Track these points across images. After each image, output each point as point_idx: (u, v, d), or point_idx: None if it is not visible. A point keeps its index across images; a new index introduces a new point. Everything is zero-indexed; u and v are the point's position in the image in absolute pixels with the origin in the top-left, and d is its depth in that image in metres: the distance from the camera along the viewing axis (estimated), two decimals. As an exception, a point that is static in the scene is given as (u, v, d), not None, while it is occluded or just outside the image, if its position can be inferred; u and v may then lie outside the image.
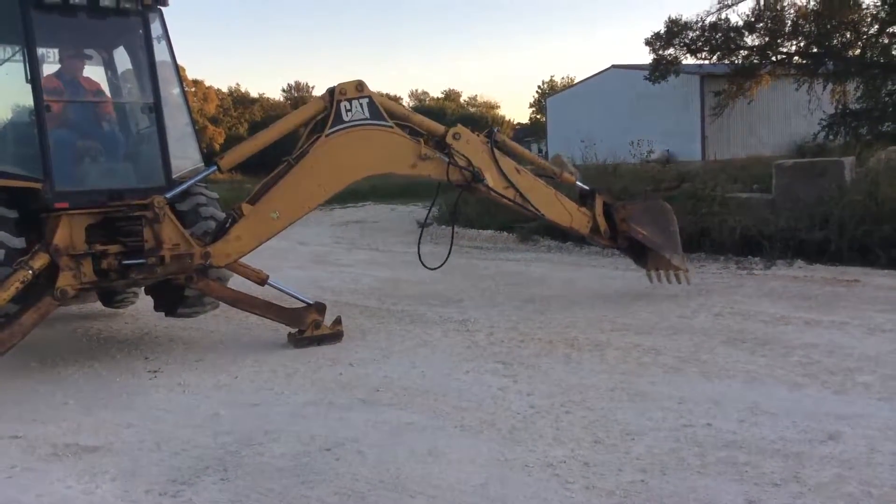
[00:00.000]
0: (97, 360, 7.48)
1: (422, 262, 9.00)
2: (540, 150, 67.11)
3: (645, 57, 31.16)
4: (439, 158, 7.93)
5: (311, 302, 7.75)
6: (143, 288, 8.49)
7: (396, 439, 5.04)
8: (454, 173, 8.02)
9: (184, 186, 7.07)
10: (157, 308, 8.26)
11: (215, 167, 7.15)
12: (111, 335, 8.65)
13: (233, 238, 7.06)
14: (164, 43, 7.49)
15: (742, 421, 5.04)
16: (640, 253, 9.20)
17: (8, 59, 7.20)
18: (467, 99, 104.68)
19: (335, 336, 7.67)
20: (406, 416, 5.46)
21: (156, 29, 7.44)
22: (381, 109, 7.58)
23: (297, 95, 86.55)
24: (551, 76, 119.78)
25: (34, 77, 6.75)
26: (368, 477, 4.47)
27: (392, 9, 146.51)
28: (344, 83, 7.44)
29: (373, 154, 7.62)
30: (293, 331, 7.65)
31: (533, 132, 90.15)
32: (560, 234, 14.14)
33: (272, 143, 7.53)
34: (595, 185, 15.60)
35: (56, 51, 7.68)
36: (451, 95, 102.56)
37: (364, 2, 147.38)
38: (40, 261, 6.53)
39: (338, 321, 7.79)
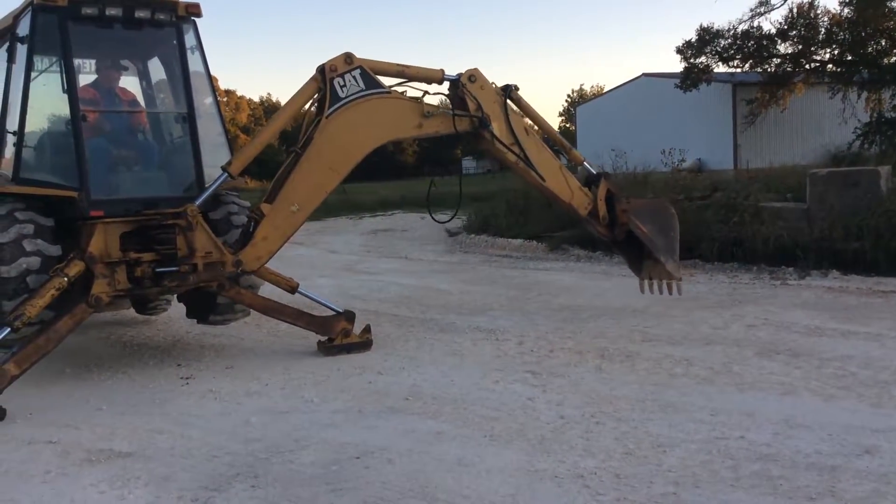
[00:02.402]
0: (130, 366, 7.57)
1: (432, 218, 9.56)
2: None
3: (676, 65, 31.01)
4: (443, 112, 7.78)
5: (341, 310, 7.79)
6: (175, 295, 8.58)
7: (426, 448, 5.03)
8: (461, 122, 7.84)
9: (208, 192, 7.00)
10: (189, 315, 8.35)
11: (226, 174, 7.03)
12: (144, 342, 8.75)
13: (259, 240, 7.05)
14: (197, 53, 7.59)
15: (776, 434, 4.97)
16: (634, 255, 8.85)
17: (46, 70, 7.31)
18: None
19: (364, 344, 7.69)
20: (435, 425, 5.46)
21: (189, 40, 7.55)
22: (374, 76, 7.43)
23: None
24: (581, 84, 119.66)
25: (71, 87, 6.88)
26: (397, 485, 4.47)
27: (422, 18, 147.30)
28: (332, 59, 7.23)
29: (377, 124, 7.48)
30: (323, 339, 7.68)
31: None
32: (590, 244, 14.08)
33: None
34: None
35: (93, 62, 7.82)
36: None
37: (393, 11, 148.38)
38: (75, 268, 6.63)
39: (367, 329, 7.81)
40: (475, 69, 7.95)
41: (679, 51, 30.18)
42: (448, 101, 7.99)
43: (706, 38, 29.14)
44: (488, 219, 17.63)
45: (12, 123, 7.06)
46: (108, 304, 7.19)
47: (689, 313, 8.77)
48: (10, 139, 7.08)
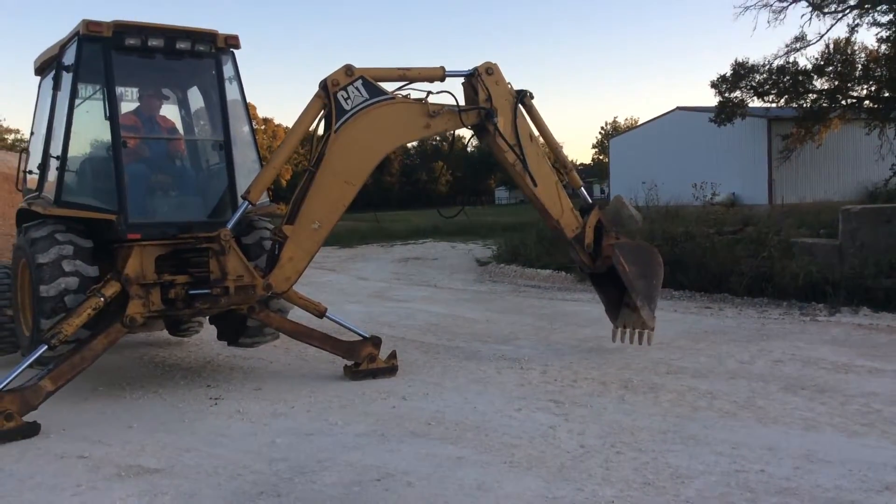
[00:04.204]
0: (162, 385, 7.74)
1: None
2: (602, 192, 66.87)
3: (711, 99, 30.99)
4: (448, 109, 7.81)
5: (368, 336, 7.90)
6: (207, 318, 8.77)
7: (446, 473, 5.09)
8: (468, 117, 7.88)
9: (234, 219, 7.08)
10: (220, 337, 8.52)
11: (247, 203, 7.10)
12: (176, 362, 8.94)
13: (286, 261, 7.17)
14: (235, 83, 7.84)
15: (797, 468, 4.95)
16: (613, 297, 8.65)
17: (89, 97, 7.57)
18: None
19: (390, 370, 7.79)
20: (456, 451, 5.52)
21: (228, 70, 7.81)
22: (376, 84, 7.46)
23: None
24: (615, 117, 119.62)
25: (112, 114, 7.14)
26: (417, 508, 4.53)
27: (456, 46, 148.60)
28: (333, 73, 7.30)
29: (385, 131, 7.52)
30: (349, 363, 7.80)
31: (596, 173, 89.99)
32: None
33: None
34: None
35: (135, 90, 8.09)
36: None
37: (426, 40, 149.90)
38: (112, 289, 6.83)
39: (393, 355, 7.91)
40: (494, 63, 8.01)
41: (714, 85, 30.18)
42: (454, 100, 7.97)
43: (741, 73, 29.12)
44: (518, 248, 17.72)
45: (55, 149, 7.30)
46: (143, 325, 7.39)
47: (716, 347, 8.74)
48: (54, 164, 7.32)
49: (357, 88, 7.33)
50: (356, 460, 5.36)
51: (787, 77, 27.90)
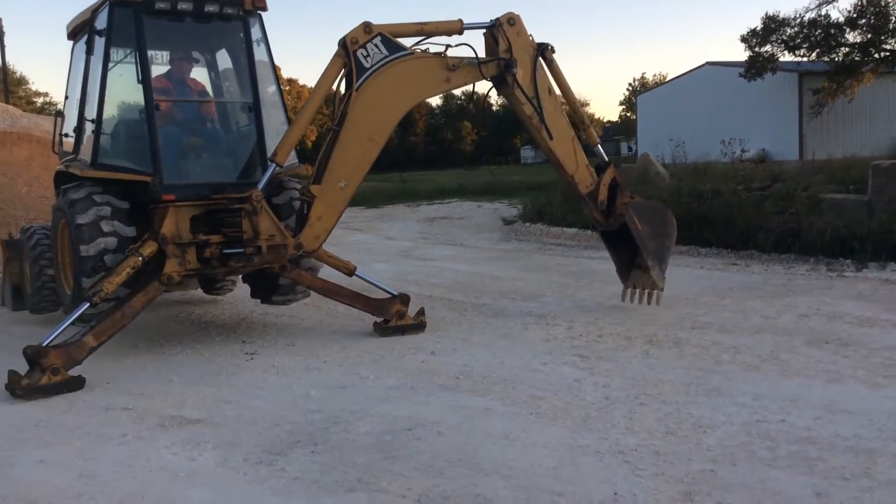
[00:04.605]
0: (199, 342, 8.00)
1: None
2: (630, 149, 66.24)
3: (741, 54, 30.52)
4: (467, 62, 7.84)
5: (396, 293, 8.08)
6: (241, 276, 9.00)
7: (474, 423, 5.27)
8: (488, 69, 7.90)
9: (264, 180, 7.23)
10: (253, 295, 8.75)
11: (275, 165, 7.25)
12: (211, 320, 9.20)
13: (315, 220, 7.34)
14: (262, 45, 7.94)
15: (817, 418, 5.07)
16: (624, 257, 8.66)
17: (121, 61, 7.72)
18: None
19: (418, 326, 7.97)
20: (484, 402, 5.70)
21: (255, 32, 7.90)
22: (395, 40, 7.50)
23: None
24: (643, 73, 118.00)
25: (145, 78, 7.29)
26: (447, 455, 4.72)
27: (480, 6, 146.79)
28: (352, 31, 7.34)
29: (405, 87, 7.57)
30: (378, 320, 7.99)
31: (623, 130, 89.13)
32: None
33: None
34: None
35: (166, 53, 8.22)
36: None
37: (451, 2, 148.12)
38: (149, 248, 7.05)
39: (421, 312, 8.09)
40: (517, 14, 7.99)
41: (744, 39, 29.77)
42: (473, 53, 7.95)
43: (772, 27, 28.66)
44: (543, 207, 17.76)
45: (91, 112, 7.48)
46: (179, 284, 7.62)
47: (742, 303, 8.81)
48: (89, 127, 7.50)
49: (376, 45, 7.38)
50: (387, 411, 5.56)
51: (819, 30, 27.42)
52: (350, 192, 7.48)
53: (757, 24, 29.02)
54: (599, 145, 8.78)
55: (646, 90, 65.75)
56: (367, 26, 7.39)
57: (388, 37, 7.46)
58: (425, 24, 7.76)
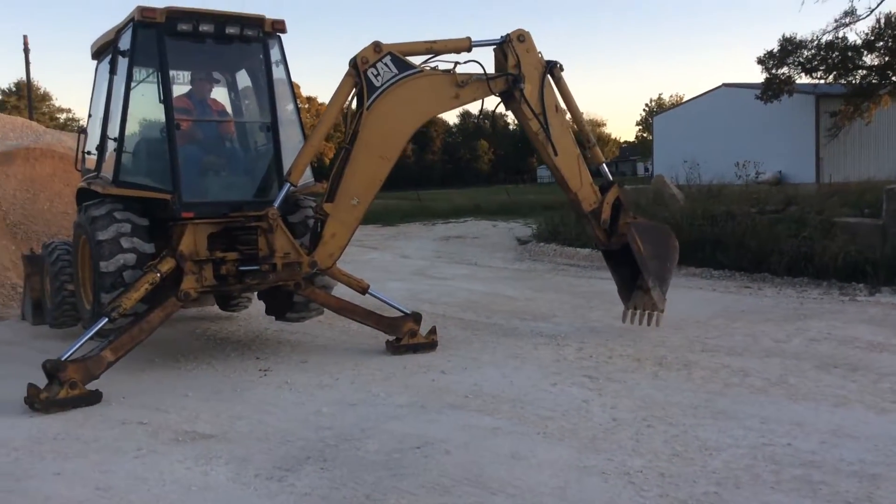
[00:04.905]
0: (214, 357, 8.12)
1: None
2: (646, 170, 66.23)
3: (757, 75, 30.53)
4: (476, 78, 7.93)
5: (409, 312, 8.18)
6: (256, 293, 9.12)
7: (482, 442, 5.34)
8: (497, 84, 8.00)
9: (281, 195, 7.37)
10: (268, 312, 8.87)
11: (289, 185, 7.39)
12: (226, 336, 9.33)
13: (328, 238, 7.47)
14: (281, 66, 8.10)
15: (823, 442, 5.11)
16: (626, 277, 8.62)
17: (144, 81, 7.89)
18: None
19: (430, 345, 8.06)
20: (492, 422, 5.77)
21: (275, 54, 8.07)
22: (405, 58, 7.59)
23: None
24: (659, 94, 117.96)
25: (166, 98, 7.45)
26: (454, 474, 4.80)
27: (498, 19, 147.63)
28: (362, 51, 7.46)
29: (416, 105, 7.69)
30: (391, 338, 8.08)
31: (640, 151, 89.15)
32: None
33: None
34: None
35: (188, 73, 8.40)
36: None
37: (471, 19, 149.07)
38: (167, 265, 7.19)
39: (433, 331, 8.18)
40: (527, 31, 8.09)
41: (760, 61, 29.78)
42: (481, 69, 8.04)
43: (788, 49, 28.68)
44: (557, 227, 17.83)
45: (113, 130, 7.64)
46: (195, 300, 7.74)
47: (753, 326, 8.84)
48: (111, 145, 7.67)
49: (386, 64, 7.51)
50: (397, 429, 5.64)
51: (836, 53, 27.42)
52: (363, 210, 7.59)
53: (774, 46, 29.05)
54: (605, 164, 8.82)
55: (662, 111, 65.74)
56: (376, 46, 7.52)
57: (398, 55, 7.58)
58: (434, 42, 7.87)
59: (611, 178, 8.72)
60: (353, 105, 7.63)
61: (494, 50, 8.19)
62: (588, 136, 8.87)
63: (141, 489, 4.72)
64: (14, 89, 62.75)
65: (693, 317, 9.57)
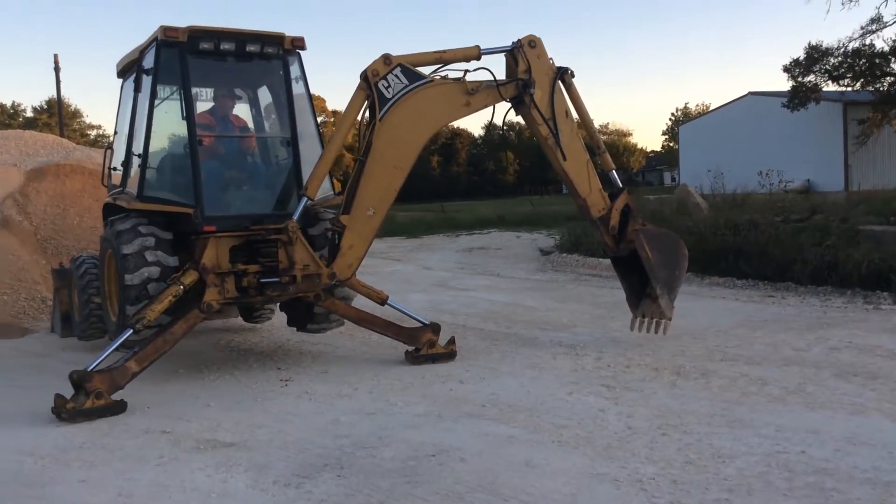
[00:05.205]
0: (237, 368, 8.26)
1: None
2: (673, 178, 65.85)
3: (784, 84, 30.26)
4: (486, 85, 7.98)
5: (427, 322, 8.26)
6: (278, 305, 9.26)
7: (497, 450, 5.40)
8: (507, 90, 8.03)
9: (299, 209, 7.48)
10: (289, 323, 9.01)
11: (306, 199, 7.49)
12: (249, 347, 9.47)
13: (346, 249, 7.57)
14: (301, 82, 8.26)
15: (837, 450, 5.10)
16: (635, 285, 8.60)
17: (167, 98, 8.09)
18: (599, 127, 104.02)
19: (449, 355, 8.13)
20: (508, 430, 5.82)
21: (294, 70, 8.24)
22: (415, 69, 7.66)
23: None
24: (685, 103, 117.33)
25: (189, 114, 7.63)
26: (468, 481, 4.86)
27: (523, 27, 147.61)
28: (372, 64, 7.54)
29: (427, 114, 7.76)
30: (410, 349, 8.16)
31: (666, 160, 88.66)
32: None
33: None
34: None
35: (211, 90, 8.59)
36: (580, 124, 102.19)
37: (495, 31, 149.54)
38: (190, 277, 7.35)
39: (451, 341, 8.25)
40: (538, 37, 8.14)
41: (787, 69, 29.53)
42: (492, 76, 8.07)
43: (815, 57, 28.41)
44: (580, 238, 17.82)
45: (137, 147, 7.85)
46: (218, 311, 7.89)
47: (774, 335, 8.80)
48: (136, 161, 7.86)
49: (396, 76, 7.59)
50: (413, 437, 5.72)
51: (863, 60, 27.11)
52: (379, 220, 7.69)
53: (800, 53, 28.78)
54: (614, 171, 8.76)
55: (688, 120, 65.39)
56: (386, 58, 7.60)
57: (408, 66, 7.67)
58: (444, 52, 7.94)
59: (620, 184, 8.69)
60: (366, 117, 7.72)
61: (506, 56, 8.24)
62: (598, 142, 8.85)
63: (162, 496, 4.84)
64: (46, 107, 64.05)
65: (714, 326, 9.54)
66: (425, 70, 7.81)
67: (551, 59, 8.24)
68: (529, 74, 8.06)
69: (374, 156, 7.55)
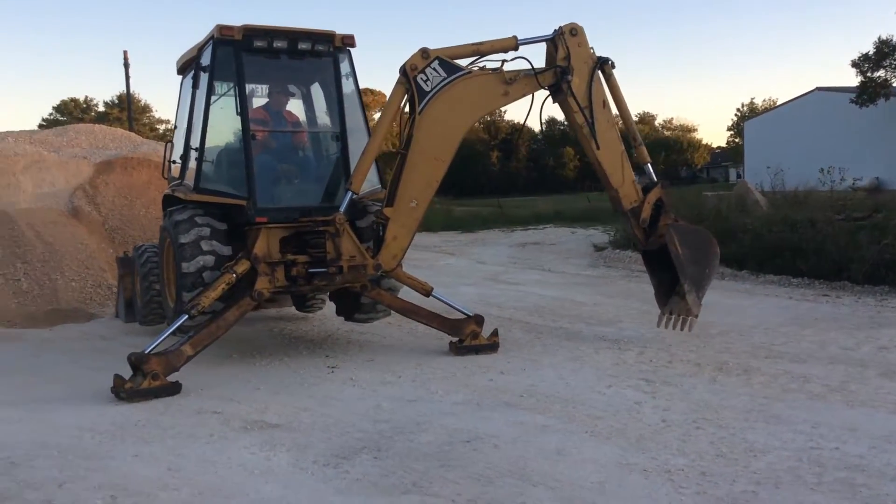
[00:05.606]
0: (287, 355, 8.54)
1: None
2: (738, 175, 64.50)
3: (852, 79, 29.46)
4: (524, 74, 8.02)
5: (471, 314, 8.41)
6: (328, 295, 9.53)
7: (530, 438, 5.52)
8: (545, 77, 8.06)
9: (345, 202, 7.69)
10: (338, 313, 9.26)
11: (351, 194, 7.68)
12: (300, 335, 9.77)
13: (390, 240, 7.77)
14: (350, 79, 8.48)
15: (873, 447, 5.08)
16: (665, 282, 8.50)
17: (223, 94, 8.40)
18: (662, 122, 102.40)
19: (492, 346, 8.26)
20: (542, 420, 5.93)
21: (344, 67, 8.47)
22: (452, 62, 7.78)
23: (489, 119, 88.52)
24: (751, 98, 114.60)
25: (243, 110, 7.92)
26: (499, 466, 5.00)
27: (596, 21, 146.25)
28: (410, 58, 7.66)
29: (466, 105, 7.86)
30: (454, 339, 8.33)
31: (731, 156, 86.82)
32: (737, 262, 13.96)
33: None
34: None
35: (266, 87, 8.88)
36: (644, 118, 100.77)
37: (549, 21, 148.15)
38: (242, 266, 7.64)
39: (495, 333, 8.38)
40: (580, 26, 8.15)
41: (855, 64, 28.85)
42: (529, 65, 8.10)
43: (885, 52, 27.68)
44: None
45: (195, 141, 8.19)
46: (269, 300, 8.18)
47: (822, 333, 8.70)
48: (193, 154, 8.20)
49: (434, 69, 7.72)
50: (450, 424, 5.88)
51: (936, 54, 26.27)
52: (421, 211, 7.86)
53: (869, 48, 28.00)
54: (650, 164, 8.68)
55: (754, 115, 63.95)
56: (424, 52, 7.74)
57: (446, 59, 7.79)
58: (481, 43, 8.01)
59: (654, 178, 8.63)
60: (407, 111, 7.87)
61: (547, 44, 8.26)
62: (635, 134, 8.77)
63: (209, 471, 5.10)
64: (117, 102, 66.15)
65: (763, 324, 9.46)
66: (463, 62, 7.91)
67: (592, 48, 8.25)
68: (568, 62, 8.08)
69: (415, 148, 7.71)
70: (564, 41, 8.10)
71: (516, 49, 8.07)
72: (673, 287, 8.39)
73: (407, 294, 8.78)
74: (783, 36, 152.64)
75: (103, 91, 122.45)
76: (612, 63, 8.30)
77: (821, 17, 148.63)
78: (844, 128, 33.95)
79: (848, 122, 33.34)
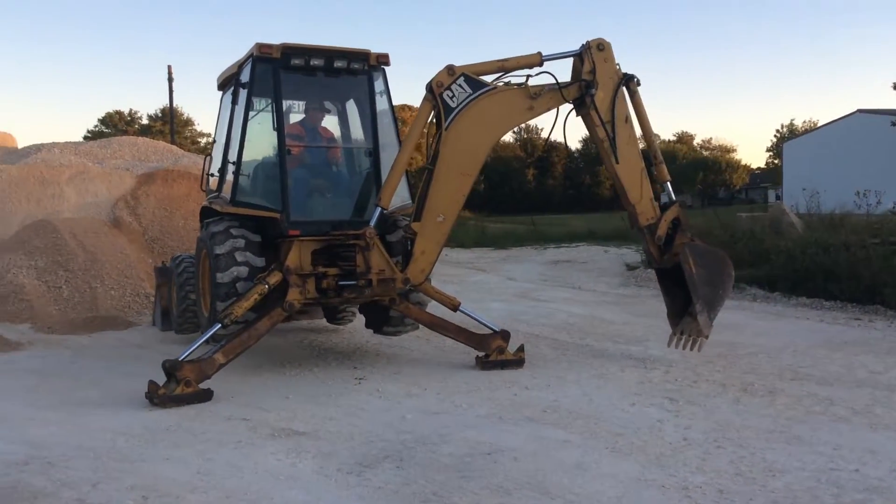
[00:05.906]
0: (316, 365, 8.71)
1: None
2: (777, 197, 63.78)
3: (894, 101, 29.11)
4: (549, 88, 8.08)
5: (498, 329, 8.51)
6: (357, 308, 9.70)
7: (550, 452, 5.60)
8: (569, 91, 8.11)
9: (374, 217, 7.84)
10: (367, 326, 9.42)
11: (380, 209, 7.83)
12: (330, 347, 9.94)
13: (418, 255, 7.92)
14: (384, 96, 8.68)
15: (893, 470, 5.08)
16: (679, 301, 8.41)
17: (262, 110, 8.64)
18: (701, 142, 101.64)
19: (517, 362, 8.35)
20: (564, 435, 6.01)
21: (379, 85, 8.67)
22: (478, 78, 7.86)
23: (526, 137, 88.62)
24: (791, 119, 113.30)
25: (279, 125, 8.15)
26: (517, 479, 5.09)
27: (630, 42, 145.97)
28: (437, 75, 7.80)
29: (491, 121, 7.95)
30: (480, 354, 8.43)
31: (770, 178, 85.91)
32: (768, 283, 13.89)
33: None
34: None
35: (303, 103, 9.12)
36: (683, 138, 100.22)
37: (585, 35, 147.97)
38: (274, 278, 7.84)
39: (521, 349, 8.47)
40: (607, 42, 8.19)
41: (896, 86, 28.41)
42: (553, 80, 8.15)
43: (927, 73, 27.20)
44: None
45: (232, 155, 8.44)
46: (300, 311, 8.36)
47: (851, 357, 8.64)
48: (230, 168, 8.44)
49: (460, 86, 7.85)
50: (472, 437, 5.98)
51: (980, 76, 25.80)
52: (449, 226, 7.99)
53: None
54: (669, 183, 8.63)
55: (793, 136, 63.29)
56: (450, 69, 7.86)
57: (471, 76, 7.91)
58: (506, 60, 8.10)
59: (673, 197, 8.57)
60: (433, 127, 7.99)
61: (574, 59, 8.33)
62: (656, 152, 8.75)
63: (235, 476, 5.26)
64: (160, 115, 67.55)
65: (791, 346, 9.41)
66: (488, 79, 8.03)
67: (618, 64, 8.30)
68: (594, 76, 8.14)
69: (442, 164, 7.85)
70: (591, 55, 8.17)
71: (541, 65, 8.15)
72: (685, 307, 8.33)
73: (435, 308, 8.91)
74: (825, 57, 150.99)
75: (147, 104, 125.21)
76: (638, 80, 8.34)
77: (865, 36, 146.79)
78: (885, 151, 33.52)
79: (889, 145, 32.90)
